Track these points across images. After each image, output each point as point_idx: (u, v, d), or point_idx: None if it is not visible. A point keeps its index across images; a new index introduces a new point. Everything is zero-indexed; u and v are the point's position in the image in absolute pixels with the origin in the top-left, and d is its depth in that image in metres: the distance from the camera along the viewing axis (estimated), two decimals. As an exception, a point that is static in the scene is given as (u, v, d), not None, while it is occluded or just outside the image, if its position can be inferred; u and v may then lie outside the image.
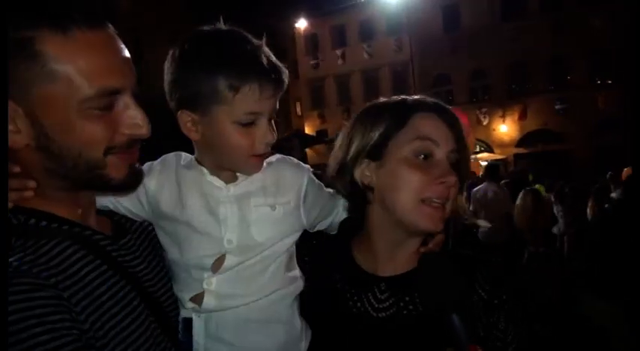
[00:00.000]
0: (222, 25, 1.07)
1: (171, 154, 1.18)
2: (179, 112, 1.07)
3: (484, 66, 23.82)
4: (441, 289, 1.00)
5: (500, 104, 23.90)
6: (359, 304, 1.17)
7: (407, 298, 1.14)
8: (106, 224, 1.09)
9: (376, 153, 1.15)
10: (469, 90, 24.96)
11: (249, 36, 1.07)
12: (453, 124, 1.16)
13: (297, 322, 1.18)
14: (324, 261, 1.25)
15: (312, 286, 1.22)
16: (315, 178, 1.23)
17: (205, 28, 1.07)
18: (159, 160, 1.18)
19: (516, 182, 8.36)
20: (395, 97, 1.21)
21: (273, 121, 1.12)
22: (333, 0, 26.92)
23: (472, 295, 1.11)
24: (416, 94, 1.23)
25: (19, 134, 0.87)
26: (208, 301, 1.09)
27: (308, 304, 1.21)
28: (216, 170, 1.12)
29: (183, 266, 1.12)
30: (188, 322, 1.12)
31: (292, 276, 1.18)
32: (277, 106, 1.10)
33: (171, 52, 1.07)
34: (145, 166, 1.14)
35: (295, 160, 1.24)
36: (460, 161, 1.16)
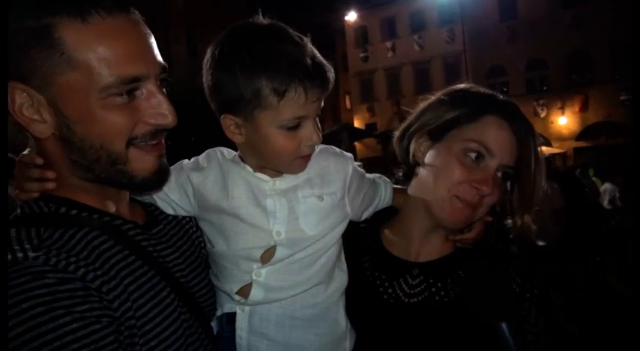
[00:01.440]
0: (261, 20, 1.02)
1: (215, 149, 1.17)
2: (222, 117, 1.05)
3: (542, 55, 22.74)
4: (490, 297, 1.01)
5: (559, 95, 22.78)
6: (390, 290, 1.18)
7: (439, 284, 1.15)
8: (139, 213, 1.08)
9: (437, 134, 1.16)
10: (526, 81, 23.93)
11: (292, 32, 1.01)
12: (522, 139, 1.12)
13: (343, 320, 1.16)
14: (352, 248, 1.25)
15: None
16: (357, 166, 1.21)
17: (244, 23, 1.02)
18: (203, 154, 1.17)
19: (567, 177, 7.93)
20: (482, 89, 1.20)
21: (317, 119, 1.09)
22: (384, -9, 26.57)
23: (516, 298, 1.11)
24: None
25: (45, 124, 0.86)
26: (256, 293, 1.08)
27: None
28: (261, 169, 1.11)
29: (231, 258, 1.10)
30: (231, 316, 1.11)
31: (340, 270, 1.17)
32: (322, 104, 1.07)
33: (209, 52, 1.03)
34: (192, 160, 1.15)
35: (338, 150, 1.20)
36: (521, 179, 1.13)
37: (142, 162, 0.93)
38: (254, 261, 1.08)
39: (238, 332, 1.10)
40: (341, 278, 1.16)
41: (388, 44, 28.45)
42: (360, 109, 29.59)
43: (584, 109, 22.44)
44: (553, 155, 11.76)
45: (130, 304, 0.88)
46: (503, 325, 0.99)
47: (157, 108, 0.91)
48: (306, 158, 1.09)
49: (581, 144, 22.38)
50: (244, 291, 1.09)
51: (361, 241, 1.27)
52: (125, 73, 0.86)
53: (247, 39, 0.99)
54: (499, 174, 1.12)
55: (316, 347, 1.11)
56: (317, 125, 1.08)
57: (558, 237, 6.19)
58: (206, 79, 1.04)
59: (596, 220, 7.15)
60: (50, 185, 0.93)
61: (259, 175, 1.10)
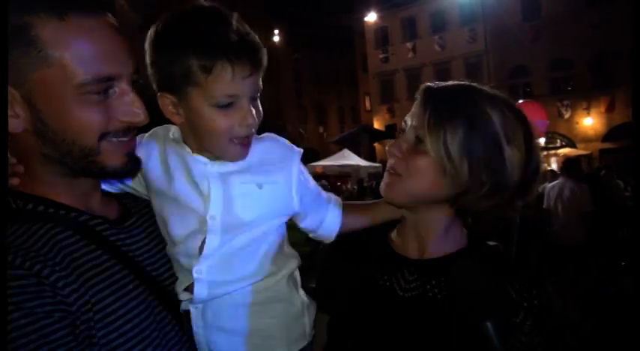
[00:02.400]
0: (201, 3, 1.03)
1: (161, 127, 1.15)
2: (159, 95, 1.05)
3: (566, 55, 22.32)
4: (476, 295, 1.01)
5: (584, 96, 22.31)
6: (388, 284, 1.21)
7: (433, 282, 1.17)
8: (113, 207, 1.09)
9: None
10: (549, 81, 23.50)
11: (226, 13, 1.00)
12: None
13: (297, 298, 1.17)
14: (360, 243, 1.29)
15: (345, 266, 1.26)
16: (303, 168, 1.18)
17: (183, 8, 1.03)
18: (149, 132, 1.15)
19: (595, 178, 7.72)
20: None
21: (258, 102, 1.07)
22: (404, -8, 26.44)
23: (506, 299, 1.10)
24: (491, 86, 1.19)
25: (18, 119, 0.89)
26: (200, 291, 1.07)
27: (340, 282, 1.24)
28: (201, 150, 1.09)
29: (174, 255, 1.10)
30: (186, 314, 1.11)
31: (286, 256, 1.16)
32: (260, 86, 1.05)
33: (149, 33, 1.03)
34: (137, 137, 1.10)
35: (287, 142, 1.18)
36: None
37: (112, 155, 0.95)
38: (192, 257, 1.07)
39: (195, 329, 1.10)
40: (289, 265, 1.16)
41: (409, 45, 28.29)
42: (380, 110, 29.49)
43: (610, 109, 21.92)
44: (578, 157, 11.51)
45: (88, 297, 0.89)
46: (489, 324, 1.00)
47: (130, 106, 0.94)
48: (244, 143, 1.06)
49: (607, 145, 21.86)
50: (190, 288, 1.09)
51: (369, 237, 1.30)
52: (100, 72, 0.89)
53: (179, 19, 1.01)
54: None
55: (275, 329, 1.11)
56: (257, 107, 1.06)
57: (584, 240, 6.04)
58: (146, 59, 1.05)
59: (621, 222, 6.95)
60: (14, 181, 0.95)
61: (198, 156, 1.08)
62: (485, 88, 1.18)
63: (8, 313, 0.77)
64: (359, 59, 34.73)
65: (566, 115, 22.76)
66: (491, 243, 1.24)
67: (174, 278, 1.12)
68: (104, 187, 1.14)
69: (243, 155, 1.08)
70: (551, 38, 21.91)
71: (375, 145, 24.27)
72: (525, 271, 1.16)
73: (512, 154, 1.11)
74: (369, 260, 1.26)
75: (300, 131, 33.05)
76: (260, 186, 1.08)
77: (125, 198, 1.16)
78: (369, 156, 21.41)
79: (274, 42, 28.02)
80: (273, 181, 1.10)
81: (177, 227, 1.07)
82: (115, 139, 0.95)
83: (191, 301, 1.09)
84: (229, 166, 1.08)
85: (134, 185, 1.16)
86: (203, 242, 1.06)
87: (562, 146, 22.14)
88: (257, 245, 1.10)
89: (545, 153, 18.05)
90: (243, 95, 1.01)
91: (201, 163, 1.07)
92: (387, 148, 1.19)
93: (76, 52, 0.87)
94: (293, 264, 1.18)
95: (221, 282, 1.07)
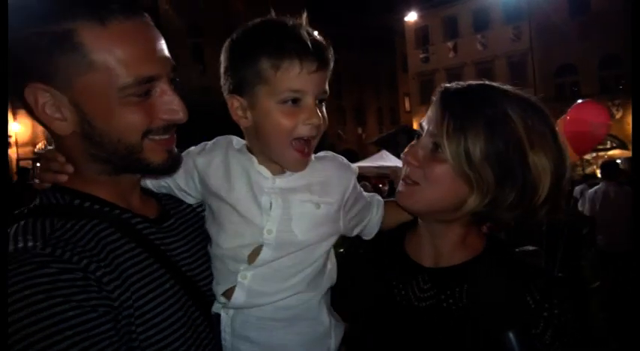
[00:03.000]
0: (272, 16, 1.11)
1: (224, 136, 1.20)
2: (229, 97, 1.10)
3: (617, 52, 21.32)
4: (496, 305, 0.97)
5: (636, 95, 21.25)
6: (403, 293, 1.18)
7: (448, 292, 1.13)
8: (152, 207, 1.13)
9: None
10: (599, 80, 22.51)
11: (294, 19, 1.08)
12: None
13: (325, 318, 1.16)
14: (377, 251, 1.27)
15: (362, 274, 1.24)
16: (357, 183, 1.22)
17: (256, 20, 1.11)
18: (212, 140, 1.21)
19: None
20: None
21: (324, 107, 1.10)
22: (445, -10, 26.01)
23: (525, 306, 1.06)
24: (536, 87, 1.15)
25: (65, 122, 0.93)
26: (238, 296, 1.09)
27: (356, 291, 1.23)
28: (265, 161, 1.12)
29: (220, 256, 1.12)
30: (217, 317, 1.13)
31: (324, 276, 1.17)
32: (327, 89, 1.09)
33: (224, 46, 1.11)
34: (199, 145, 1.19)
35: (345, 160, 1.22)
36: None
37: (155, 152, 1.00)
38: (241, 262, 1.10)
39: (223, 335, 1.12)
40: (325, 285, 1.17)
41: (449, 44, 27.79)
42: (419, 111, 29.06)
43: (665, 109, 20.80)
44: (614, 159, 10.73)
45: (130, 294, 0.92)
46: (511, 335, 0.96)
47: (170, 105, 0.98)
48: (304, 150, 1.09)
49: (662, 147, 20.73)
50: (228, 293, 1.11)
51: (385, 245, 1.27)
52: (142, 74, 0.92)
53: (251, 28, 1.09)
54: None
55: (298, 346, 1.12)
56: (322, 110, 1.09)
57: (630, 247, 5.74)
58: (220, 69, 1.12)
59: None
60: (63, 178, 1.00)
61: (261, 169, 1.11)
62: (506, 87, 1.13)
63: (55, 305, 0.80)
64: (399, 59, 34.38)
65: (617, 115, 21.73)
66: (530, 248, 1.21)
67: (208, 280, 1.14)
68: (153, 186, 1.19)
69: (301, 165, 1.11)
70: (601, 34, 20.97)
71: (415, 146, 23.88)
72: (545, 279, 1.10)
73: (537, 160, 1.05)
74: (384, 266, 1.23)
75: (339, 132, 33.04)
76: (317, 206, 1.11)
77: (164, 199, 1.20)
78: (408, 157, 20.99)
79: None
80: (329, 202, 1.13)
81: (232, 233, 1.11)
82: (156, 137, 0.99)
83: (225, 305, 1.11)
84: (291, 183, 1.11)
85: (186, 188, 1.19)
86: (253, 251, 1.10)
87: (612, 148, 21.16)
88: (304, 265, 1.12)
89: (594, 155, 17.30)
90: (309, 92, 1.05)
91: (264, 176, 1.11)
92: (402, 155, 1.16)
93: (118, 55, 0.90)
94: (327, 284, 1.19)
95: (260, 292, 1.10)
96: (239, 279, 1.10)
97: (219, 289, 1.12)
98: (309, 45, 1.04)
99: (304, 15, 1.09)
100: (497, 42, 25.51)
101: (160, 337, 0.95)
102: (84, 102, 0.92)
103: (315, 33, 1.08)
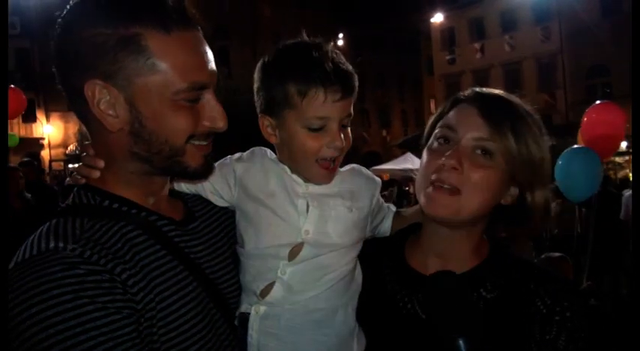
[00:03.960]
0: (305, 38, 1.18)
1: (259, 148, 1.27)
2: (260, 116, 1.19)
3: (652, 53, 20.67)
4: (451, 309, 0.96)
5: (672, 96, 20.55)
6: (409, 306, 1.16)
7: None
8: (178, 209, 1.16)
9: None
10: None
11: (322, 44, 1.15)
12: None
13: (351, 321, 1.20)
14: (376, 261, 1.25)
15: (363, 287, 1.23)
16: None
17: (288, 42, 1.18)
18: (248, 150, 1.27)
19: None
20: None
21: (349, 130, 1.17)
22: (472, -9, 25.69)
23: (529, 307, 1.07)
24: (566, 88, 1.14)
25: (117, 119, 0.97)
26: (277, 290, 1.14)
27: (359, 304, 1.22)
28: (296, 170, 1.20)
29: (259, 255, 1.17)
30: (244, 318, 1.16)
31: (353, 285, 1.22)
32: (351, 113, 1.16)
33: (257, 65, 1.19)
34: (237, 154, 1.25)
35: (369, 172, 1.30)
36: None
37: (194, 156, 1.04)
38: (281, 259, 1.15)
39: (250, 332, 1.15)
40: (353, 289, 1.22)
41: (476, 45, 27.46)
42: (445, 113, 28.71)
43: (703, 111, 20.06)
44: None
45: (153, 296, 0.94)
46: (460, 342, 0.94)
47: (214, 113, 1.04)
48: (329, 167, 1.16)
49: (700, 150, 20.00)
50: (266, 290, 1.15)
51: (383, 254, 1.26)
52: (195, 80, 0.98)
53: (281, 51, 1.17)
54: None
55: (324, 347, 1.16)
56: (346, 132, 1.16)
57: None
58: (254, 87, 1.20)
59: None
60: (96, 173, 1.05)
61: (294, 176, 1.19)
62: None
63: (82, 306, 0.83)
64: (424, 61, 34.11)
65: (652, 118, 21.06)
66: (556, 254, 1.18)
67: (230, 282, 1.18)
68: (186, 187, 1.23)
69: (327, 179, 1.18)
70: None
71: (440, 148, 23.62)
72: (557, 283, 1.10)
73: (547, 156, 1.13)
74: (385, 279, 1.22)
75: (363, 135, 32.95)
76: (350, 209, 1.19)
77: (191, 200, 1.22)
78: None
79: (338, 46, 28.11)
80: (360, 207, 1.21)
81: (270, 234, 1.16)
82: (197, 142, 1.04)
83: (259, 302, 1.16)
84: (322, 189, 1.19)
85: (221, 191, 1.24)
86: (292, 249, 1.15)
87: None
88: (339, 265, 1.18)
89: (627, 158, 16.82)
90: (333, 118, 1.12)
91: (298, 183, 1.19)
92: (441, 161, 1.09)
93: (177, 62, 0.96)
94: (355, 288, 1.23)
95: (297, 288, 1.15)
96: (278, 274, 1.15)
97: (256, 286, 1.16)
98: (335, 74, 1.10)
99: (331, 43, 1.16)
100: (525, 43, 25.07)
101: (182, 339, 0.97)
102: (139, 101, 0.97)
103: (342, 60, 1.14)
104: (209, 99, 1.03)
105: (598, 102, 4.88)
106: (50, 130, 26.74)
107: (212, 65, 1.03)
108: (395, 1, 31.51)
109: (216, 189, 1.23)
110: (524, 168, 1.08)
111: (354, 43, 31.91)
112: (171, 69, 0.96)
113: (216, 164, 1.19)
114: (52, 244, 0.89)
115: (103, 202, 1.03)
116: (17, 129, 22.24)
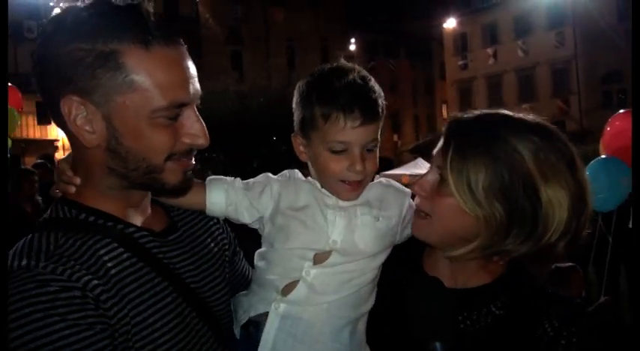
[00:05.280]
0: (342, 63, 1.24)
1: (290, 170, 1.33)
2: (292, 135, 1.27)
3: (669, 59, 20.38)
4: (427, 314, 0.99)
5: (690, 103, 20.24)
6: None
7: (465, 314, 1.12)
8: (160, 220, 1.15)
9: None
10: (648, 87, 21.59)
11: (352, 69, 1.19)
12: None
13: (362, 334, 1.23)
14: (394, 267, 1.25)
15: (380, 294, 1.24)
16: (412, 203, 1.27)
17: (326, 65, 1.24)
18: (282, 172, 1.33)
19: None
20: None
21: (375, 153, 1.21)
22: (485, -4, 25.59)
23: (536, 329, 1.06)
24: (580, 94, 1.11)
25: (94, 135, 0.96)
26: (300, 289, 1.18)
27: (375, 311, 1.24)
28: (324, 187, 1.25)
29: (286, 254, 1.20)
30: (256, 322, 1.19)
31: (372, 296, 1.25)
32: (377, 138, 1.20)
33: (297, 85, 1.26)
34: (267, 174, 1.31)
35: (399, 185, 1.33)
36: None
37: (174, 173, 1.03)
38: (306, 260, 1.19)
39: (266, 330, 1.18)
40: (370, 301, 1.25)
41: (489, 50, 27.32)
42: (457, 119, 28.59)
43: None
44: None
45: (127, 310, 0.93)
46: (437, 345, 0.97)
47: (194, 130, 1.02)
48: (353, 186, 1.20)
49: None
50: (289, 288, 1.19)
51: (402, 261, 1.27)
52: (175, 99, 0.96)
53: (314, 76, 1.23)
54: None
55: None
56: (371, 158, 1.19)
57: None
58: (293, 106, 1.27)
59: None
60: (71, 189, 1.04)
61: (324, 190, 1.24)
62: (523, 116, 1.09)
63: (52, 324, 0.83)
64: (436, 66, 34.04)
65: (668, 124, 20.75)
66: (566, 264, 1.16)
67: (213, 292, 1.16)
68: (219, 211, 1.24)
69: (352, 197, 1.22)
70: (652, 40, 20.14)
71: (452, 154, 23.49)
72: (567, 307, 1.08)
73: (552, 195, 1.00)
74: (402, 282, 1.20)
75: (375, 139, 32.86)
76: (377, 218, 1.23)
77: (175, 210, 1.21)
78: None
79: (351, 51, 28.27)
80: (387, 216, 1.24)
81: (301, 240, 1.21)
82: (178, 160, 1.02)
83: (280, 300, 1.19)
84: (350, 201, 1.24)
85: (258, 205, 1.26)
86: (317, 253, 1.20)
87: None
88: (363, 271, 1.21)
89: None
90: (354, 144, 1.16)
91: (326, 196, 1.24)
92: (412, 186, 1.19)
93: (157, 79, 0.94)
94: (373, 300, 1.25)
95: (320, 290, 1.18)
96: (303, 274, 1.18)
97: (281, 282, 1.19)
98: (356, 101, 1.14)
99: (363, 70, 1.20)
100: (539, 48, 24.89)
101: None
102: (116, 119, 0.95)
103: (371, 86, 1.18)
104: (189, 115, 1.01)
105: (622, 111, 4.80)
106: (63, 133, 27.03)
107: (194, 82, 1.01)
108: (408, 7, 31.51)
109: (253, 204, 1.26)
110: (472, 200, 1.04)
111: (367, 48, 31.94)
112: (151, 86, 0.94)
113: (252, 182, 1.26)
114: (24, 262, 0.89)
115: (79, 216, 1.02)
116: (32, 131, 22.58)
